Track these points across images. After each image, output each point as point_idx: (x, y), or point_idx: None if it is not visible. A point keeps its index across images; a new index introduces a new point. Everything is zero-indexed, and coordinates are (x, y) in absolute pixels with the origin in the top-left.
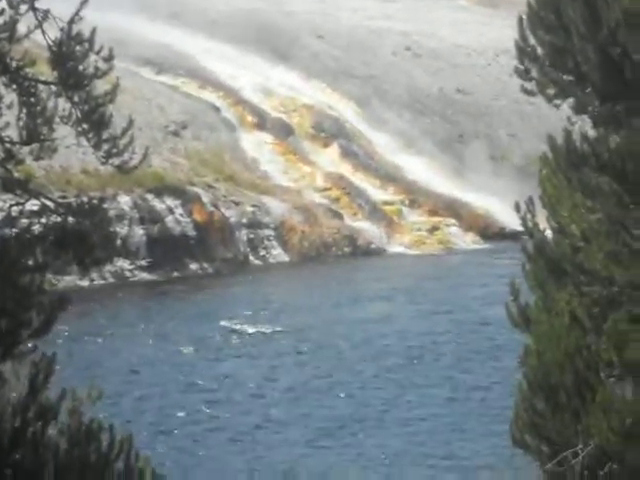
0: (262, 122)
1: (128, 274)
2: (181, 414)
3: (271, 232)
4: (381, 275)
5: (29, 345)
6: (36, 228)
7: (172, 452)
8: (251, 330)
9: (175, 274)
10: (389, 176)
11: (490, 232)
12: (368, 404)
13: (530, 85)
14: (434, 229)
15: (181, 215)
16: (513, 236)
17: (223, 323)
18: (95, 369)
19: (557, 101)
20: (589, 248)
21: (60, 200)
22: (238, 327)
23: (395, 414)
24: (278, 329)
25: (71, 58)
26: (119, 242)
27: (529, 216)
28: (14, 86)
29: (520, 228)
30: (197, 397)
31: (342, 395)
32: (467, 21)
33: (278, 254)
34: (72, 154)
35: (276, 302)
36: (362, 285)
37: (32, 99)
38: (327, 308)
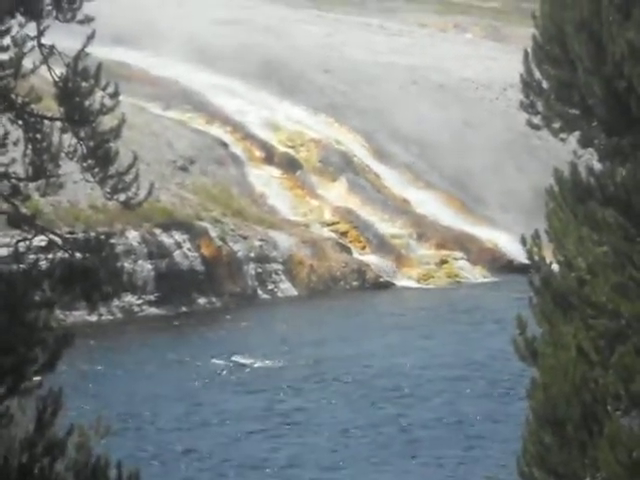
0: (270, 157)
1: (136, 309)
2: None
3: (279, 266)
4: (389, 309)
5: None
6: (43, 264)
7: None
8: (258, 364)
9: (183, 309)
10: (397, 210)
11: (498, 265)
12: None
13: (536, 119)
14: (442, 262)
15: (189, 250)
16: (522, 269)
17: (233, 358)
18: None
19: (563, 135)
20: (595, 281)
21: (67, 236)
22: (246, 361)
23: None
24: (285, 364)
25: (77, 94)
26: (126, 277)
27: (535, 249)
28: (20, 122)
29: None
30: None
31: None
32: (474, 55)
33: (286, 288)
34: (80, 189)
35: (284, 336)
36: (370, 319)
37: (38, 135)
38: (334, 342)
